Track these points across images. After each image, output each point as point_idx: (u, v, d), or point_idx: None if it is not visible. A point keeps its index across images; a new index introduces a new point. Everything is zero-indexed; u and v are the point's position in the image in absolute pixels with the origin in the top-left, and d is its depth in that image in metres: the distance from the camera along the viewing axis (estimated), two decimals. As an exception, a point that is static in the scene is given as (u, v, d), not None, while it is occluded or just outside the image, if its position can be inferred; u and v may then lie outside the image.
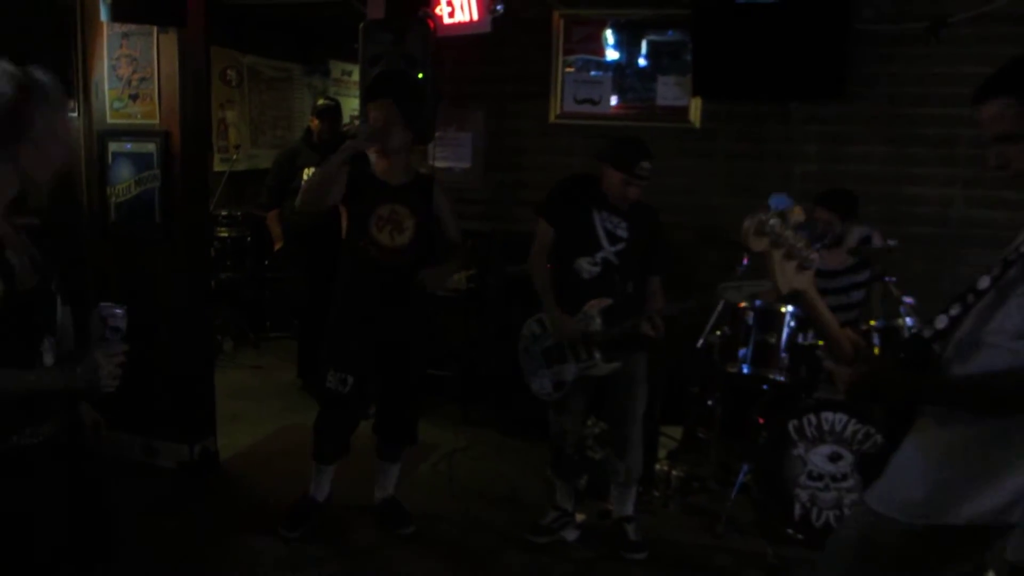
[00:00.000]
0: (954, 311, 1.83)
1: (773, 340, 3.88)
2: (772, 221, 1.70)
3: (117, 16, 3.81)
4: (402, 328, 3.54)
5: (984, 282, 1.77)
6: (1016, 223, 4.84)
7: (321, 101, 5.71)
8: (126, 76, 4.09)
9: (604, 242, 3.42)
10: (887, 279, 3.93)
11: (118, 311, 1.91)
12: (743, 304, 3.90)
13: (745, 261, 4.13)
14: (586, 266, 3.43)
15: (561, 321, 3.44)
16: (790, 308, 3.88)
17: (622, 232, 3.44)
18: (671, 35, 5.29)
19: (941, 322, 1.84)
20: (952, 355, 1.85)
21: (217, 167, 6.87)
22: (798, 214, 1.74)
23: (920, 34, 4.75)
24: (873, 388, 1.82)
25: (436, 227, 3.58)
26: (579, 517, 3.85)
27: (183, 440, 4.28)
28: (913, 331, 1.93)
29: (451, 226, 3.64)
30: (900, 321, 3.59)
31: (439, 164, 5.59)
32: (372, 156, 3.50)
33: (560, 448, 3.67)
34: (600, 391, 3.60)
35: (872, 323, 3.72)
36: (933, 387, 1.85)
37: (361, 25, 5.07)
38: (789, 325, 3.87)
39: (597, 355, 3.42)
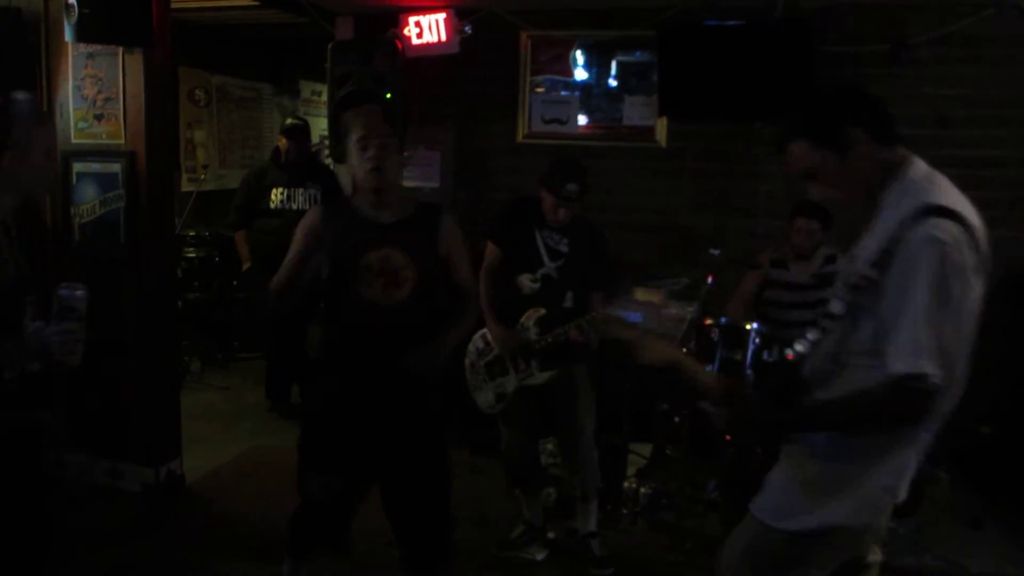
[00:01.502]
0: (812, 336, 1.95)
1: (738, 357, 3.91)
2: (645, 317, 1.95)
3: (82, 36, 3.79)
4: (411, 414, 2.70)
5: (837, 306, 1.89)
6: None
7: (289, 120, 5.71)
8: (91, 96, 4.08)
9: (545, 259, 3.55)
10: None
11: (79, 292, 2.00)
12: (709, 321, 3.93)
13: (710, 280, 4.17)
14: (527, 282, 3.56)
15: (501, 334, 3.55)
16: (755, 325, 3.93)
17: (563, 248, 3.56)
18: (639, 56, 5.36)
19: (803, 346, 1.97)
20: (813, 378, 1.97)
21: (185, 187, 6.84)
22: (662, 301, 1.92)
23: (882, 56, 4.86)
24: (747, 425, 2.01)
25: (443, 273, 2.78)
26: (549, 534, 3.86)
27: (149, 463, 4.22)
28: (775, 358, 2.12)
29: (462, 270, 2.85)
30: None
31: (407, 183, 5.59)
32: (346, 180, 3.35)
33: (510, 460, 3.76)
34: (545, 411, 3.69)
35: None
36: (798, 417, 1.97)
37: (330, 45, 5.10)
38: (754, 342, 3.91)
39: (533, 364, 3.53)
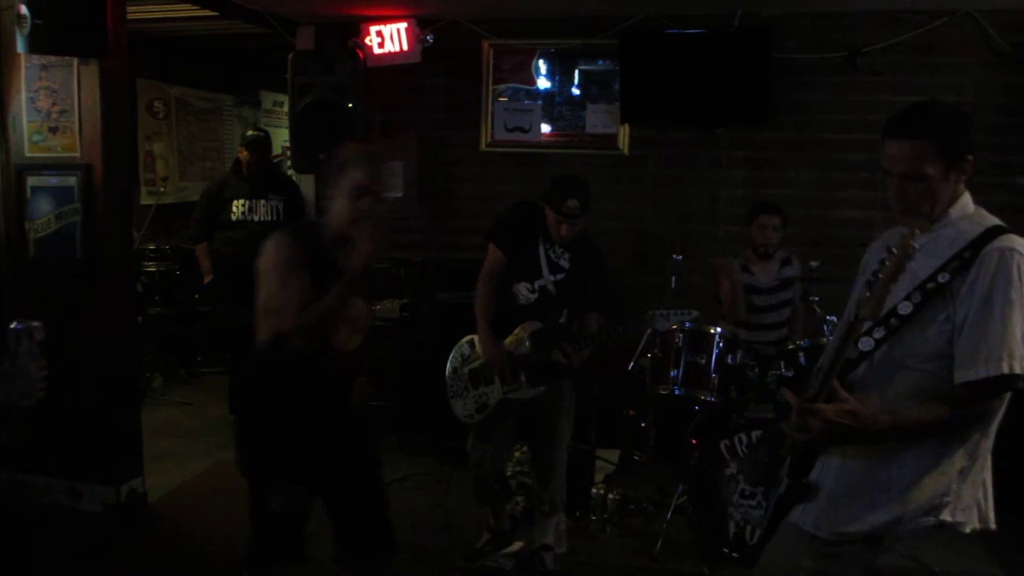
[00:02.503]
0: (878, 334, 1.93)
1: (703, 361, 3.94)
2: None
3: (35, 48, 3.72)
4: (352, 430, 2.84)
5: (905, 308, 1.89)
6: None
7: (250, 132, 5.65)
8: (45, 108, 4.00)
9: (545, 271, 3.47)
10: (812, 299, 4.05)
11: (36, 324, 1.97)
12: (674, 327, 3.95)
13: (673, 288, 4.21)
14: (524, 292, 3.48)
15: (490, 345, 3.45)
16: (718, 329, 3.96)
17: (564, 263, 3.48)
18: (601, 65, 5.39)
19: (866, 344, 1.94)
20: (869, 376, 1.96)
21: (144, 200, 6.74)
22: None
23: (838, 63, 4.94)
24: (854, 426, 1.86)
25: None
26: (516, 545, 3.84)
27: (109, 481, 4.14)
28: (819, 366, 2.05)
29: None
30: (824, 340, 3.68)
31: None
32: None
33: (480, 477, 3.64)
34: (524, 420, 3.60)
35: (798, 343, 3.83)
36: (901, 422, 1.91)
37: (290, 55, 5.07)
38: (718, 346, 3.94)
39: (522, 378, 3.44)
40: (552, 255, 3.48)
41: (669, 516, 3.96)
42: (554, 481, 3.62)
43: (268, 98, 8.34)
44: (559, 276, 3.47)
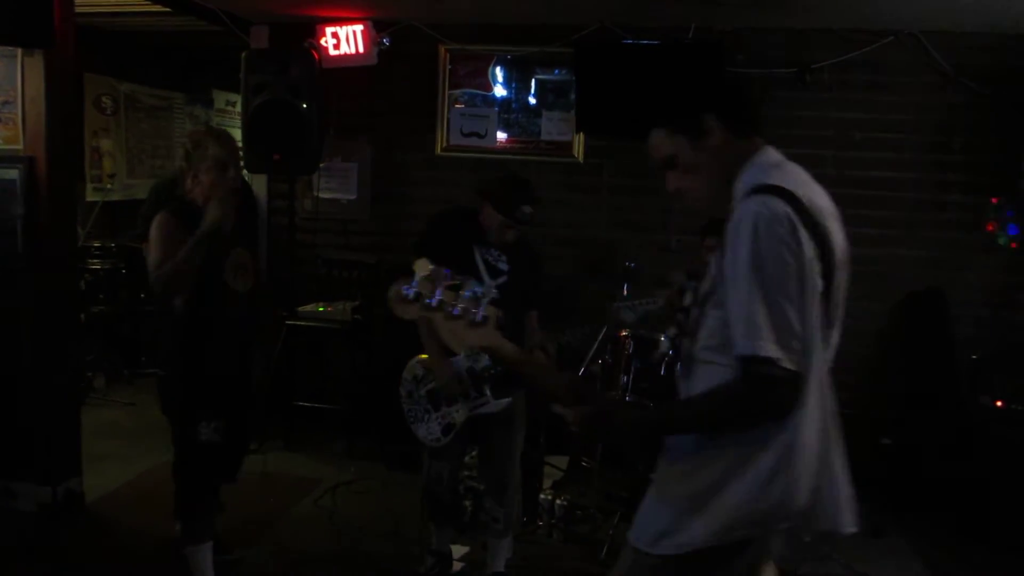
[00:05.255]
0: (671, 332, 1.90)
1: (653, 367, 3.98)
2: (416, 286, 1.78)
3: (-22, 36, 3.64)
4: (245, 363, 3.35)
5: (688, 298, 1.86)
6: (879, 249, 5.05)
7: (203, 130, 5.56)
8: (-13, 99, 3.90)
9: (485, 277, 3.28)
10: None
11: None
12: (624, 333, 3.98)
13: (625, 292, 4.23)
14: None
15: (441, 366, 3.29)
16: (668, 335, 3.99)
17: (503, 265, 3.34)
18: (557, 74, 5.42)
19: (664, 345, 1.96)
20: (679, 375, 1.91)
21: (90, 196, 6.59)
22: (442, 275, 1.81)
23: (788, 79, 5.03)
24: (601, 427, 1.86)
25: None
26: (461, 550, 3.83)
27: (45, 482, 4.03)
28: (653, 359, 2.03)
29: None
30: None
31: (324, 195, 5.53)
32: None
33: (436, 494, 3.50)
34: (479, 434, 3.47)
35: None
36: (653, 418, 1.90)
37: (244, 54, 5.01)
38: (668, 353, 3.98)
39: (488, 392, 3.28)
40: (490, 258, 3.32)
41: (616, 523, 3.98)
42: (509, 497, 3.47)
43: (221, 97, 8.23)
44: (500, 280, 3.30)
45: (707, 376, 1.76)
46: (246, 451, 3.58)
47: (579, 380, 1.90)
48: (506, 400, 3.33)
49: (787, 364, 1.60)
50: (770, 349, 1.58)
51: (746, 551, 1.79)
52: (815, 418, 1.70)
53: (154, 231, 3.07)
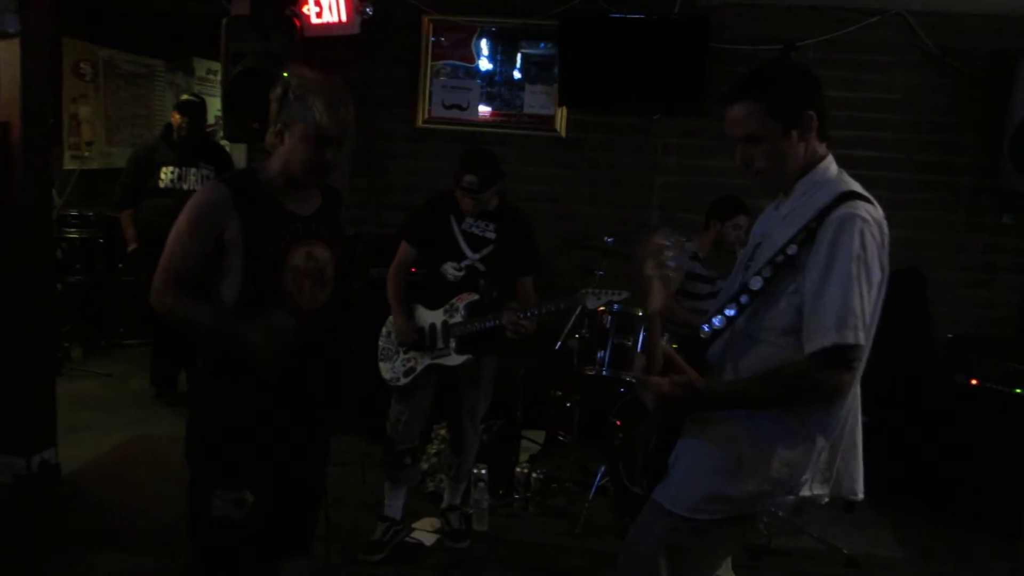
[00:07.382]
0: (730, 311, 1.96)
1: (630, 343, 3.95)
2: (672, 253, 1.92)
3: (-52, -3, 3.56)
4: (313, 423, 2.46)
5: (756, 283, 1.92)
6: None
7: (185, 96, 5.51)
8: (-41, 62, 3.82)
9: (466, 249, 3.52)
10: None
11: None
12: (602, 308, 3.97)
13: (601, 272, 4.23)
14: (451, 271, 3.53)
15: (402, 327, 3.56)
16: (646, 311, 3.99)
17: (490, 234, 3.53)
18: (541, 47, 5.37)
19: (719, 322, 1.98)
20: (724, 352, 2.00)
21: (68, 164, 6.52)
22: (684, 245, 1.93)
23: (773, 56, 5.01)
24: (688, 397, 1.89)
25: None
26: (433, 523, 3.88)
27: (21, 452, 4.01)
28: (688, 333, 2.08)
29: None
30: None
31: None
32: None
33: (392, 441, 3.65)
34: (443, 391, 3.69)
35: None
36: (734, 394, 1.96)
37: (224, 21, 4.92)
38: (645, 329, 3.97)
39: (452, 345, 3.52)
40: (475, 230, 3.53)
41: (591, 496, 4.01)
42: (465, 450, 3.73)
43: (202, 66, 8.13)
44: (486, 250, 3.52)
45: (763, 354, 1.92)
46: (306, 534, 2.58)
47: (672, 351, 1.99)
48: (466, 356, 3.51)
49: (864, 352, 1.82)
50: (860, 338, 1.79)
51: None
52: (855, 394, 1.95)
53: (189, 204, 2.24)
